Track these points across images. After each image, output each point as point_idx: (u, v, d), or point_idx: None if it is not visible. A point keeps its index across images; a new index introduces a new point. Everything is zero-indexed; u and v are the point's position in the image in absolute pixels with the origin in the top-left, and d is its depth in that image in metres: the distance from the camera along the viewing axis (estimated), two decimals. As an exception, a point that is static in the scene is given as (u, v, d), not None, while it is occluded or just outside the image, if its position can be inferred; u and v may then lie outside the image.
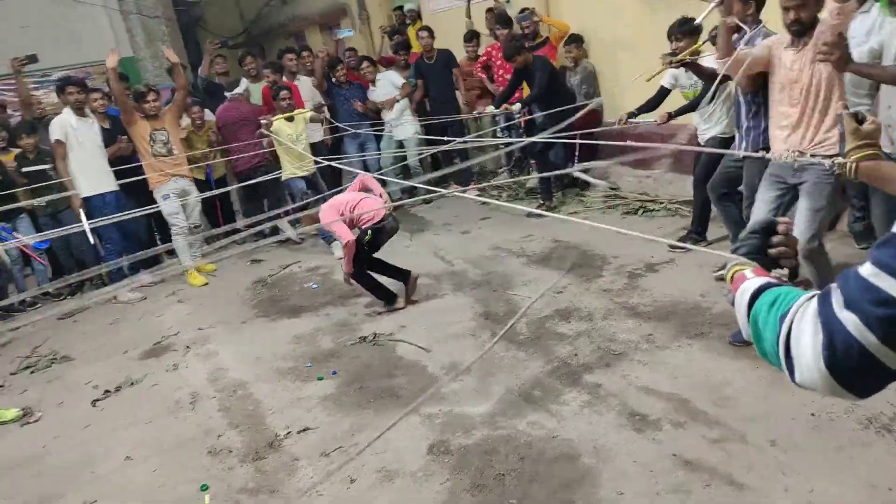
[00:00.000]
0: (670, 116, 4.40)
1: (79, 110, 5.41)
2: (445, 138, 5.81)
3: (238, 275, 5.72)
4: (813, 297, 0.85)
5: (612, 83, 5.33)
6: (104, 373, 4.13)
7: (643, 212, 5.37)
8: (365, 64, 6.78)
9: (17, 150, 5.63)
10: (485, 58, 6.81)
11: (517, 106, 5.73)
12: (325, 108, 6.67)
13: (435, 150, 3.89)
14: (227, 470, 2.90)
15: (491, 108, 6.02)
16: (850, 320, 0.77)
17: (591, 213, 5.66)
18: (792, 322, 0.85)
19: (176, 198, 5.61)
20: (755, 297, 0.96)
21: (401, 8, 8.78)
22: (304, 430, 3.11)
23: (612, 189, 6.01)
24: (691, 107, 4.29)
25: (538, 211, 4.77)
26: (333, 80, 6.88)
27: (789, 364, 0.86)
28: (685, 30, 4.00)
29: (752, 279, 1.00)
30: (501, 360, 3.46)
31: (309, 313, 4.57)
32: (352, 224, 4.19)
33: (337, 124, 6.56)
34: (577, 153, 6.07)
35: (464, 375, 3.37)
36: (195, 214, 5.87)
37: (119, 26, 10.60)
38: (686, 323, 3.49)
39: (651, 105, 4.53)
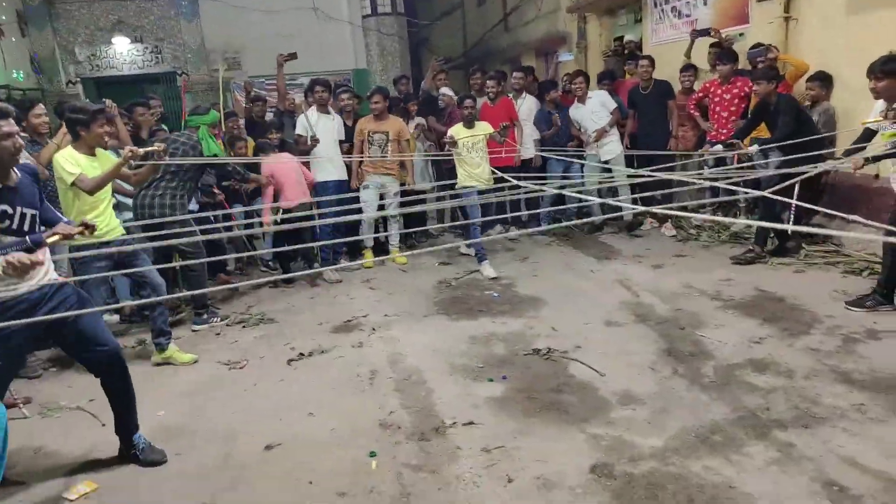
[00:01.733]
0: (867, 161, 3.89)
1: (321, 107, 6.14)
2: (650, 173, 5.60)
3: (427, 273, 6.02)
4: None
5: (851, 127, 4.79)
6: (300, 338, 4.57)
7: (868, 273, 4.74)
8: (579, 79, 6.74)
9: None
10: (701, 94, 6.50)
11: (755, 147, 5.12)
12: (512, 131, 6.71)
13: (643, 178, 3.73)
14: (394, 444, 3.05)
15: (718, 147, 5.53)
16: None
17: (804, 269, 5.13)
18: None
19: (374, 189, 6.20)
20: None
21: (621, 38, 8.72)
22: (469, 423, 3.17)
23: (835, 245, 5.40)
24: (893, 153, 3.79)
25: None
26: (543, 104, 7.00)
27: None
28: (888, 69, 3.76)
29: None
30: (681, 399, 3.26)
31: (486, 318, 4.67)
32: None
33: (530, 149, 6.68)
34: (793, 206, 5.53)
35: (637, 405, 3.22)
36: (392, 208, 6.32)
37: (359, 41, 11.79)
38: (911, 400, 3.02)
39: (857, 147, 4.09)
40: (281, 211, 5.92)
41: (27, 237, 2.59)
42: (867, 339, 3.73)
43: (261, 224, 5.86)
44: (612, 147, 6.63)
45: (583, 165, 6.72)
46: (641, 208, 3.74)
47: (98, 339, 2.93)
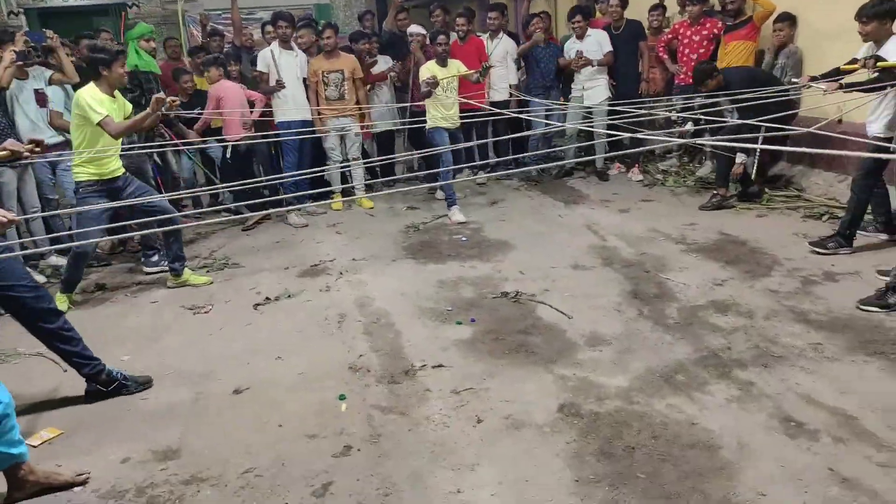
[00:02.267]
0: (840, 87, 3.95)
1: (284, 43, 5.90)
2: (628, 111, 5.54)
3: (395, 217, 5.96)
4: None
5: (818, 72, 4.79)
6: (266, 282, 4.50)
7: (828, 218, 4.85)
8: (578, 17, 6.52)
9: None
10: (670, 35, 6.41)
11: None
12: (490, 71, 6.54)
13: (621, 119, 3.65)
14: (364, 386, 3.06)
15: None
16: None
17: (767, 213, 5.22)
18: None
19: (335, 133, 6.08)
20: None
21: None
22: (438, 365, 3.19)
23: (797, 190, 5.49)
24: (869, 86, 3.84)
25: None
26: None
27: None
28: (875, 11, 3.82)
29: None
30: (645, 340, 3.32)
31: (455, 262, 4.66)
32: None
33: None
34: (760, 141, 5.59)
35: (603, 346, 3.28)
36: (354, 149, 6.27)
37: (320, -27, 11.27)
38: (864, 339, 3.13)
39: (833, 74, 4.17)
40: (230, 147, 5.79)
41: None
42: (825, 281, 3.84)
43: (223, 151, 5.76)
44: (599, 92, 6.51)
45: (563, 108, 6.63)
46: (613, 154, 3.71)
47: (19, 278, 2.83)
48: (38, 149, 2.90)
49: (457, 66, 5.84)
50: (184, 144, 5.68)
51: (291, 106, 5.94)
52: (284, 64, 5.90)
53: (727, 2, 5.75)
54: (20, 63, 4.66)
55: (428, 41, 6.47)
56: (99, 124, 3.91)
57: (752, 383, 2.84)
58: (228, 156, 5.88)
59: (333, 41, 6.00)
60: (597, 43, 6.46)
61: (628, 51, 6.54)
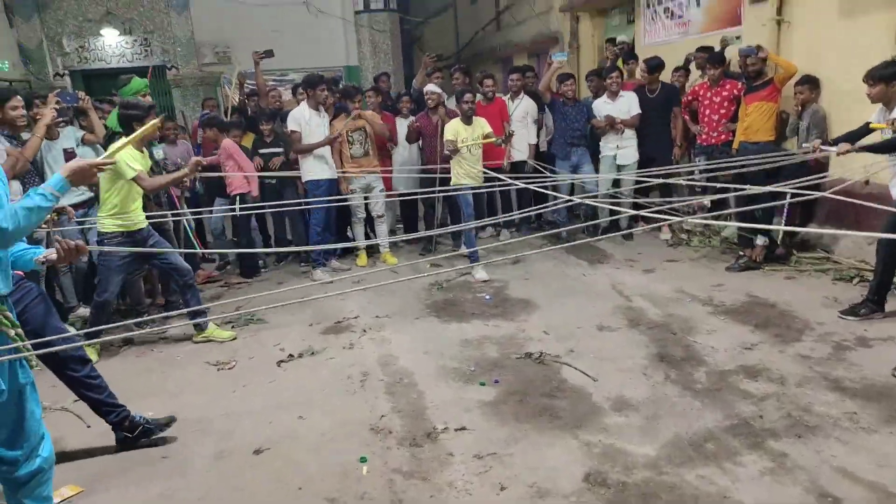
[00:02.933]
0: (852, 149, 3.95)
1: (316, 105, 6.04)
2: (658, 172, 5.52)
3: (417, 274, 5.97)
4: None
5: (844, 131, 4.78)
6: (291, 339, 4.52)
7: (858, 280, 4.77)
8: (615, 74, 6.62)
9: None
10: (690, 97, 6.50)
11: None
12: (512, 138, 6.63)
13: (651, 183, 3.63)
14: (385, 449, 3.02)
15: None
16: None
17: (796, 275, 5.14)
18: None
19: (361, 191, 6.19)
20: None
21: (613, 40, 8.71)
22: (461, 428, 3.15)
23: (826, 252, 5.42)
24: (884, 148, 3.82)
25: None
26: (559, 94, 6.87)
27: None
28: (880, 74, 3.89)
29: None
30: (673, 405, 3.25)
31: (478, 321, 4.65)
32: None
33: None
34: (786, 207, 5.57)
35: (630, 411, 3.21)
36: (379, 207, 6.33)
37: (351, 37, 11.73)
38: (902, 409, 3.03)
39: (850, 137, 4.13)
40: (239, 200, 5.97)
41: None
42: (858, 347, 3.74)
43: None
44: (630, 153, 6.56)
45: (591, 165, 6.69)
46: (636, 212, 3.72)
47: (58, 333, 2.87)
48: (57, 217, 3.01)
49: (482, 125, 5.94)
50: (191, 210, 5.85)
51: (321, 165, 6.04)
52: (314, 124, 6.06)
53: (748, 64, 5.83)
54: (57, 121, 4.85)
55: (444, 100, 6.61)
56: (134, 179, 4.07)
57: (786, 454, 2.74)
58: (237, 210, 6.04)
59: (358, 105, 6.19)
60: (627, 104, 6.55)
61: (662, 114, 6.57)
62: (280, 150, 6.36)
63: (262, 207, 5.79)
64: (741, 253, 5.43)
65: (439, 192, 6.11)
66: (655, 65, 6.60)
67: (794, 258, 5.38)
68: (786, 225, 5.60)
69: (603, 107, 6.62)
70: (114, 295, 4.42)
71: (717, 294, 4.81)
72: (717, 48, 6.49)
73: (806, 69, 5.63)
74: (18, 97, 4.69)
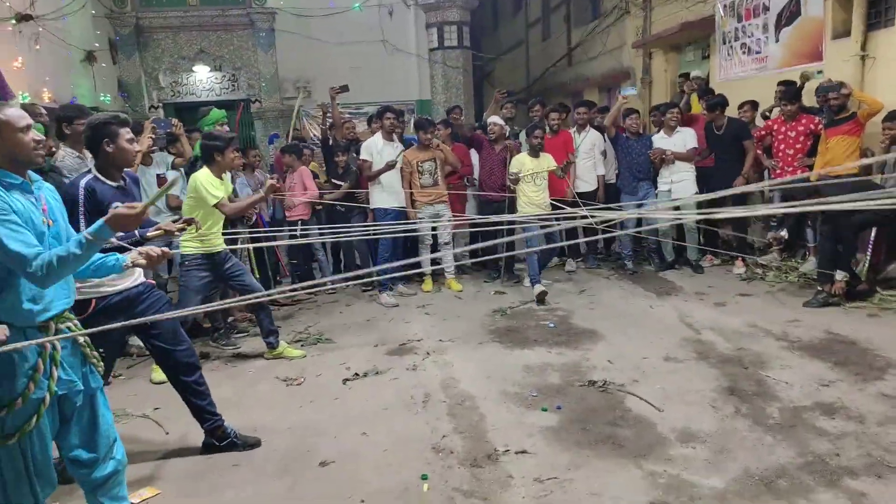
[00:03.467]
0: None
1: (388, 134, 6.30)
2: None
3: (482, 301, 6.04)
4: None
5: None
6: (356, 358, 4.64)
7: (952, 321, 4.49)
8: (675, 110, 6.65)
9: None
10: (764, 132, 6.35)
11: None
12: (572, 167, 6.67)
13: (709, 215, 3.56)
14: (446, 468, 3.05)
15: None
16: None
17: (879, 313, 4.89)
18: None
19: (428, 219, 6.33)
20: None
21: (687, 75, 8.63)
22: (522, 451, 3.15)
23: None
24: None
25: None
26: (624, 128, 6.88)
27: None
28: None
29: None
30: (743, 439, 3.14)
31: (541, 348, 4.64)
32: None
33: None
34: (871, 241, 5.33)
35: (697, 443, 3.13)
36: (446, 235, 6.45)
37: (425, 73, 12.10)
38: None
39: None
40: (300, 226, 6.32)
41: (136, 231, 2.79)
42: (948, 390, 3.52)
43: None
44: (687, 186, 6.48)
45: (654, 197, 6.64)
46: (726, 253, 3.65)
47: (178, 339, 3.23)
48: (188, 226, 3.21)
49: (547, 160, 6.12)
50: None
51: (390, 194, 6.27)
52: (386, 154, 6.27)
53: (830, 98, 5.66)
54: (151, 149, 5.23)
55: (507, 132, 6.72)
56: (215, 206, 4.32)
57: (865, 494, 2.60)
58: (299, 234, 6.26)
59: (430, 137, 6.30)
60: (683, 139, 6.52)
61: (731, 150, 6.44)
62: (343, 182, 6.58)
63: (324, 232, 6.01)
64: (820, 288, 5.21)
65: (505, 221, 6.17)
66: (714, 103, 6.53)
67: (878, 296, 5.12)
68: (871, 261, 5.36)
69: (659, 142, 6.62)
70: (192, 316, 4.65)
71: (793, 329, 4.62)
72: (798, 83, 6.35)
73: (892, 105, 5.43)
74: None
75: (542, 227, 5.49)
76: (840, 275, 5.08)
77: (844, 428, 3.17)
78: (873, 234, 5.41)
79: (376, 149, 6.27)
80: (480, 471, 3.00)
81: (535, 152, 6.10)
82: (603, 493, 2.76)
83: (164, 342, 3.19)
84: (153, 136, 5.16)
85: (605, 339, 4.76)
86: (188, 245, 4.42)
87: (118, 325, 2.41)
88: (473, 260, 6.61)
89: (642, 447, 3.13)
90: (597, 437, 3.26)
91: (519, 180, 6.00)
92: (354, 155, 6.88)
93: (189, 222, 3.18)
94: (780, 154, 6.11)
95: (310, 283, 5.90)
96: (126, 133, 2.93)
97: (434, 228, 6.43)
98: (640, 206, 6.40)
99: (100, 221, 2.08)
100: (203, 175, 4.36)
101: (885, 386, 3.60)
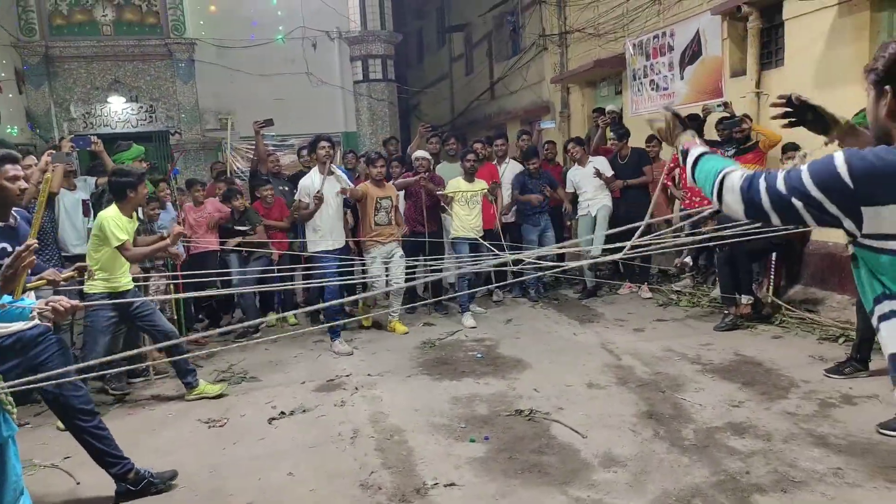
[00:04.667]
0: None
1: (323, 165, 5.68)
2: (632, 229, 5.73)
3: (410, 333, 6.05)
4: (732, 170, 1.55)
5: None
6: (282, 397, 4.54)
7: (844, 340, 4.84)
8: (572, 145, 7.05)
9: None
10: (672, 164, 6.77)
11: None
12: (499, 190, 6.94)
13: (624, 229, 3.75)
14: (374, 504, 3.02)
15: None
16: (762, 185, 1.45)
17: (782, 334, 5.23)
18: (724, 176, 1.54)
19: (381, 260, 5.94)
20: (698, 158, 1.73)
21: (602, 109, 9.07)
22: (450, 484, 3.16)
23: (808, 312, 5.52)
24: None
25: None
26: (525, 169, 7.14)
27: (719, 200, 1.55)
28: None
29: (697, 147, 1.79)
30: (661, 462, 3.27)
31: (469, 379, 4.69)
32: None
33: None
34: (772, 267, 5.72)
35: (618, 468, 3.23)
36: (399, 272, 6.00)
37: (350, 105, 12.15)
38: (885, 465, 3.06)
39: None
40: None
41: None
42: (842, 404, 3.79)
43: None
44: (603, 200, 6.87)
45: (556, 232, 7.05)
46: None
47: (73, 384, 3.05)
48: (78, 275, 3.04)
49: (481, 184, 6.42)
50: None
51: (332, 236, 5.74)
52: (327, 190, 5.65)
53: (735, 131, 6.09)
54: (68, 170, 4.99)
55: (431, 165, 6.74)
56: (118, 248, 4.12)
57: (772, 509, 2.76)
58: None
59: (383, 171, 6.08)
60: (594, 166, 6.90)
61: (634, 177, 6.92)
62: (246, 227, 6.38)
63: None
64: (726, 312, 5.52)
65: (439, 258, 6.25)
66: (622, 133, 7.18)
67: (780, 317, 5.48)
68: (774, 283, 5.74)
69: (574, 174, 7.06)
70: (99, 356, 4.38)
71: (706, 352, 4.88)
72: (701, 115, 6.79)
73: (788, 138, 5.89)
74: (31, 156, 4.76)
75: (472, 256, 5.61)
76: (745, 298, 5.42)
77: (753, 446, 3.36)
78: (773, 258, 5.81)
79: (315, 187, 5.62)
80: (409, 506, 3.00)
81: (469, 176, 6.35)
82: (530, 521, 2.81)
83: (57, 388, 2.98)
84: (70, 151, 4.97)
85: (530, 367, 4.86)
86: (94, 284, 4.18)
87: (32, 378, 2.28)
88: (419, 304, 6.56)
89: (567, 473, 3.21)
90: (523, 466, 3.31)
91: (452, 200, 6.20)
92: (285, 189, 6.81)
93: (80, 270, 3.03)
94: (688, 185, 6.50)
95: (222, 329, 5.80)
96: (7, 171, 2.70)
97: (387, 269, 6.00)
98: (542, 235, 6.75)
99: None
100: (111, 214, 4.18)
101: (789, 404, 3.85)
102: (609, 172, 6.87)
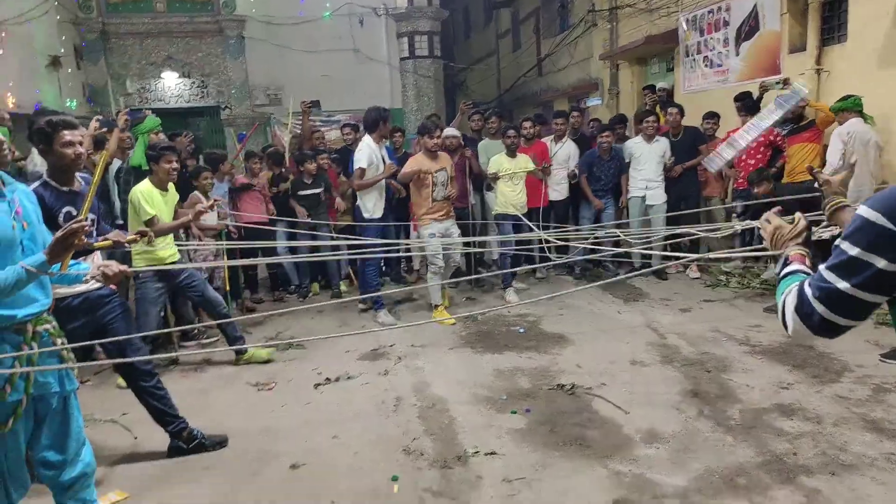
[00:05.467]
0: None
1: (380, 139, 5.78)
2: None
3: (454, 308, 6.08)
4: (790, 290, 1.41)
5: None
6: (328, 364, 4.64)
7: (903, 326, 4.67)
8: (651, 118, 6.76)
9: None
10: (724, 142, 6.56)
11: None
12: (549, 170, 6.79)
13: (677, 213, 3.68)
14: (416, 469, 3.09)
15: None
16: (810, 293, 1.32)
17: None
18: (785, 300, 1.41)
19: (439, 237, 5.63)
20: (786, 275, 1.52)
21: (652, 87, 8.86)
22: (491, 453, 3.20)
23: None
24: None
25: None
26: (594, 150, 6.93)
27: (783, 319, 1.42)
28: None
29: (796, 265, 1.53)
30: (705, 440, 3.24)
31: (512, 353, 4.70)
32: None
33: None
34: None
35: (660, 444, 3.22)
36: (456, 256, 5.89)
37: (396, 82, 12.17)
38: (943, 452, 2.96)
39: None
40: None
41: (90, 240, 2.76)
42: (899, 390, 3.68)
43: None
44: (658, 194, 6.64)
45: (614, 212, 6.81)
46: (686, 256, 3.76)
47: (133, 346, 3.19)
48: (141, 239, 3.22)
49: (525, 160, 6.31)
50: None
51: (381, 204, 5.80)
52: (382, 161, 5.71)
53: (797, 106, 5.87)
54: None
55: (463, 143, 6.60)
56: (146, 223, 4.20)
57: (819, 491, 2.71)
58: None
59: (439, 142, 5.80)
60: (660, 147, 6.67)
61: (688, 157, 6.68)
62: (320, 189, 6.57)
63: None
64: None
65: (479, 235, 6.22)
66: (672, 106, 6.92)
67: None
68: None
69: (636, 147, 6.74)
70: (152, 325, 4.52)
71: (755, 334, 4.77)
72: (758, 93, 6.57)
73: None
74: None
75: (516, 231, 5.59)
76: None
77: (802, 428, 3.29)
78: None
79: (376, 155, 5.63)
80: (450, 472, 3.05)
81: (511, 152, 6.30)
82: (569, 491, 2.83)
83: (121, 349, 3.13)
84: (125, 125, 5.12)
85: (573, 343, 4.85)
86: (140, 258, 4.33)
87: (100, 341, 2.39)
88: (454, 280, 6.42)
89: (608, 448, 3.21)
90: (564, 439, 3.32)
91: (498, 179, 6.19)
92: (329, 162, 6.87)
93: (142, 234, 3.16)
94: (742, 164, 6.32)
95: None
96: (64, 136, 2.76)
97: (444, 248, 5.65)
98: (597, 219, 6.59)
99: (39, 255, 2.08)
100: (143, 188, 4.32)
101: (841, 388, 3.75)
102: (668, 152, 6.63)
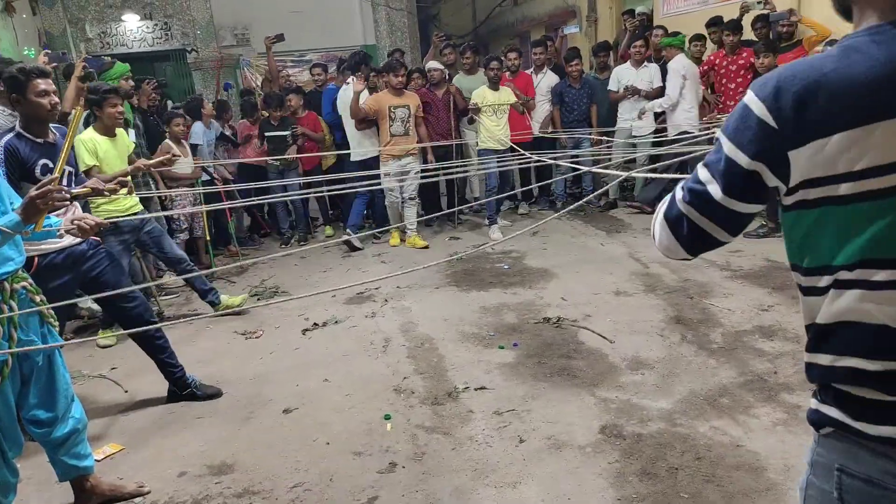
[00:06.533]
0: None
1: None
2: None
3: (437, 247, 6.09)
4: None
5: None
6: (314, 309, 4.64)
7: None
8: (639, 43, 6.62)
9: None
10: (706, 67, 6.45)
11: None
12: (534, 104, 6.74)
13: (665, 151, 3.67)
14: (408, 407, 3.14)
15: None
16: (679, 196, 1.10)
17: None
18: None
19: (396, 173, 5.98)
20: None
21: (632, 11, 8.63)
22: (481, 388, 3.25)
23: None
24: None
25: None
26: (564, 80, 6.83)
27: (652, 230, 1.20)
28: None
29: None
30: (689, 364, 3.32)
31: (497, 289, 4.73)
32: None
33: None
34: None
35: (646, 370, 3.29)
36: (412, 189, 6.17)
37: (368, 17, 11.73)
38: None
39: None
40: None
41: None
42: (875, 307, 3.76)
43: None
44: (647, 124, 6.51)
45: (593, 143, 6.71)
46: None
47: (128, 296, 3.16)
48: (121, 188, 3.13)
49: (508, 93, 6.16)
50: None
51: (367, 144, 6.12)
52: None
53: (781, 24, 5.77)
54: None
55: (446, 76, 6.59)
56: (84, 173, 3.81)
57: (799, 406, 2.81)
58: None
59: (403, 79, 6.02)
60: (650, 74, 6.54)
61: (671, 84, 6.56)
62: (287, 132, 6.35)
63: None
64: (763, 223, 5.42)
65: (464, 167, 6.11)
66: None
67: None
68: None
69: (625, 74, 6.60)
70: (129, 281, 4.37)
71: (735, 259, 4.84)
72: (738, 14, 6.42)
73: (841, 33, 5.56)
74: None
75: (499, 165, 5.53)
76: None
77: (781, 348, 3.38)
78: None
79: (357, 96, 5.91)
80: (441, 408, 3.10)
81: (493, 85, 6.13)
82: (558, 420, 2.89)
83: (115, 300, 3.13)
84: (82, 73, 4.83)
85: (557, 277, 4.88)
86: (100, 210, 4.05)
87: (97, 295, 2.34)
88: (431, 216, 6.57)
89: (595, 376, 3.27)
90: (552, 370, 3.39)
91: (479, 111, 6.06)
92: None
93: (122, 184, 3.07)
94: (723, 88, 6.24)
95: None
96: (38, 85, 2.69)
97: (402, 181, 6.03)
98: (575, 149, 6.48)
99: (13, 215, 2.01)
100: (85, 136, 3.99)
101: (819, 307, 3.83)
102: (657, 83, 6.47)
